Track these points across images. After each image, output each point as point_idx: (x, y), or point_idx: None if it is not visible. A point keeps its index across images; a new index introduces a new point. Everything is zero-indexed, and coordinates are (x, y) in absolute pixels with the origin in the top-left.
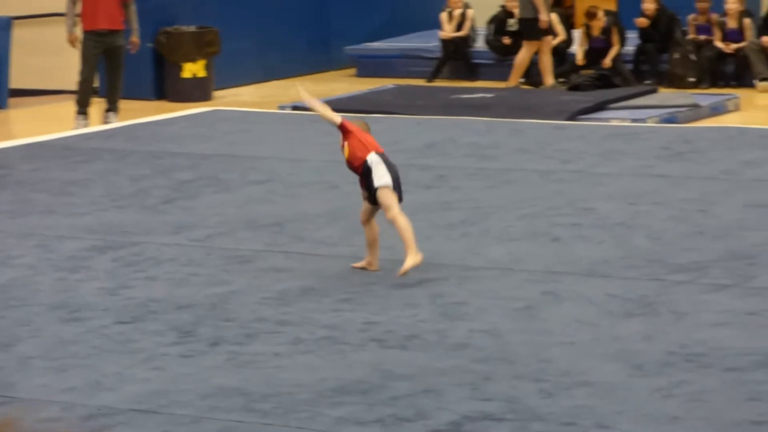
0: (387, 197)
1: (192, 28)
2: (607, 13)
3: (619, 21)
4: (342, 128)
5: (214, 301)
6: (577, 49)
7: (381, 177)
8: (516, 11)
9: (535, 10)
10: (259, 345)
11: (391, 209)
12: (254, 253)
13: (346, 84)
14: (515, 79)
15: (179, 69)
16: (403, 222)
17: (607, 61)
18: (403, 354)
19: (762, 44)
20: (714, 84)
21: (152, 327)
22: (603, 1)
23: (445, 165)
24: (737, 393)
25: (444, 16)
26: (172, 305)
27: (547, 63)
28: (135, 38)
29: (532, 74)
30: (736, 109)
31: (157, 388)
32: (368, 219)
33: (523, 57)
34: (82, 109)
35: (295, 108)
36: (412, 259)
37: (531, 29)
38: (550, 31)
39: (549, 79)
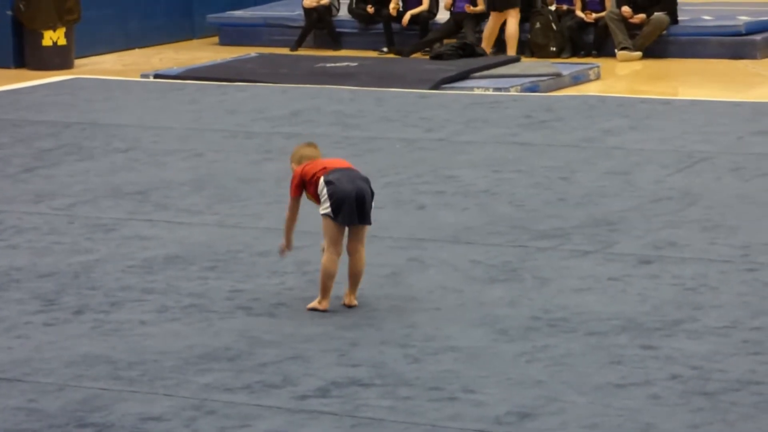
0: (327, 226)
1: None
2: None
3: None
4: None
5: (77, 270)
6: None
7: (323, 206)
8: None
9: None
10: (124, 313)
11: (326, 244)
12: (118, 222)
13: (208, 53)
14: (512, 50)
15: (39, 37)
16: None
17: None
18: (270, 321)
19: (621, 14)
20: (575, 53)
21: (15, 296)
22: None
23: (311, 133)
24: (600, 357)
25: None
26: (35, 274)
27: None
28: None
29: (397, 43)
30: (597, 78)
31: (21, 357)
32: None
33: (513, 28)
34: None
35: (157, 76)
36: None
37: None
38: None
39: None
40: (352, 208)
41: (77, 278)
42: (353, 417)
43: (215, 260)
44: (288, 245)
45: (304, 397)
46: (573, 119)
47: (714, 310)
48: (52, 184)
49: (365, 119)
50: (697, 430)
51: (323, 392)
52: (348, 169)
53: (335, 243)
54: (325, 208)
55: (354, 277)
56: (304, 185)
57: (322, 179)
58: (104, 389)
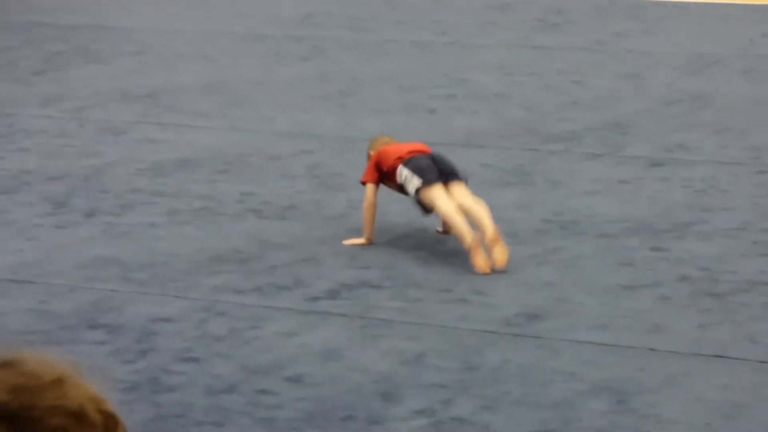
0: (426, 196)
1: None
2: None
3: None
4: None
5: (87, 173)
6: None
7: (411, 184)
8: None
9: None
10: (134, 216)
11: (436, 205)
12: (128, 125)
13: None
14: None
15: None
16: (445, 209)
17: None
18: (281, 224)
19: None
20: None
21: (25, 198)
22: None
23: (322, 36)
24: (609, 259)
25: None
26: (45, 177)
27: None
28: None
29: None
30: None
31: (32, 259)
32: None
33: None
34: None
35: None
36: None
37: None
38: None
39: None
40: (432, 169)
41: (88, 181)
42: (363, 318)
43: (225, 163)
44: (369, 238)
45: (314, 299)
46: (584, 22)
47: (724, 212)
48: (62, 87)
49: (377, 23)
50: (705, 331)
51: (334, 294)
52: (423, 154)
53: (442, 199)
54: (415, 183)
55: (480, 221)
56: (382, 174)
57: (399, 167)
58: (115, 291)
